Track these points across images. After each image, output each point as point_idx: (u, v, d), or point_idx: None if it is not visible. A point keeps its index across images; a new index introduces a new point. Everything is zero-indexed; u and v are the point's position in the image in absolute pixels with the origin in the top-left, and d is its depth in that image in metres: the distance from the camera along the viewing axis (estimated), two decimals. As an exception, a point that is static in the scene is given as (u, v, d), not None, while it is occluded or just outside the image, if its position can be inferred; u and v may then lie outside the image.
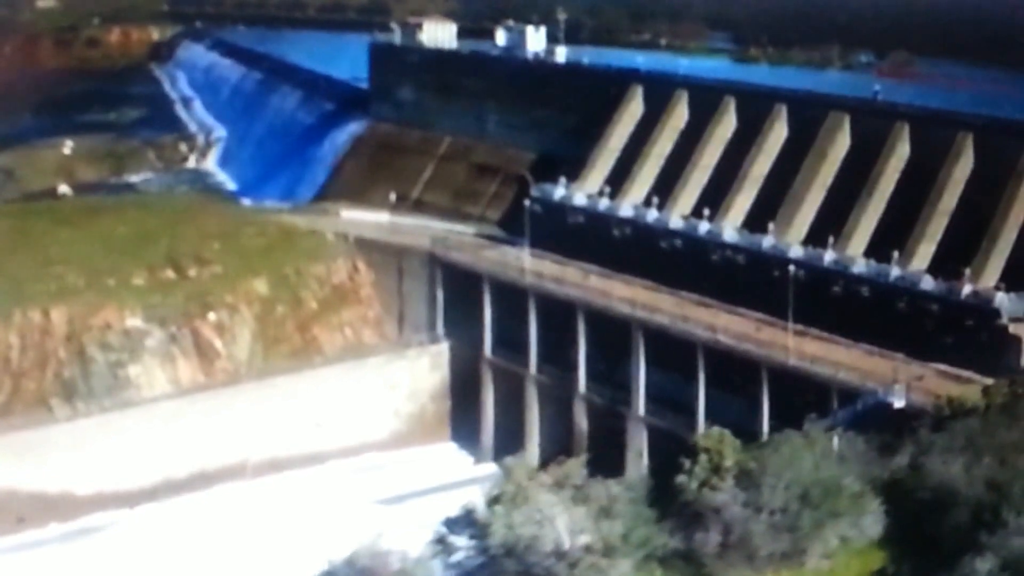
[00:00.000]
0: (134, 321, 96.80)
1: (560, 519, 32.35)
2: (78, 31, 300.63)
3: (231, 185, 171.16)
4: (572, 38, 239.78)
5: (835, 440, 46.08)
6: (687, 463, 37.15)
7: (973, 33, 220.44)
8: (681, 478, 36.69)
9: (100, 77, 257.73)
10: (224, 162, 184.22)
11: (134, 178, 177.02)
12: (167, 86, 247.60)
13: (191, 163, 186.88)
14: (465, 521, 34.48)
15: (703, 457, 36.74)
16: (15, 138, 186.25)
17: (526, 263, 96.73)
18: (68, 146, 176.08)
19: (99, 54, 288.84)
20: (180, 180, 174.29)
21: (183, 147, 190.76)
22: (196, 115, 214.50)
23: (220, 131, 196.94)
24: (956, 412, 55.04)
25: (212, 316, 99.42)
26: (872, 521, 35.50)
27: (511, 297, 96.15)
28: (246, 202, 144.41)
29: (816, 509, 34.06)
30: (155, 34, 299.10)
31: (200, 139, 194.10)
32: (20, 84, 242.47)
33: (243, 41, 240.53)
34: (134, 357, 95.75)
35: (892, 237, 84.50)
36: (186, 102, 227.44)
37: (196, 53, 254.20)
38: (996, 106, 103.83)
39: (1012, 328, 74.45)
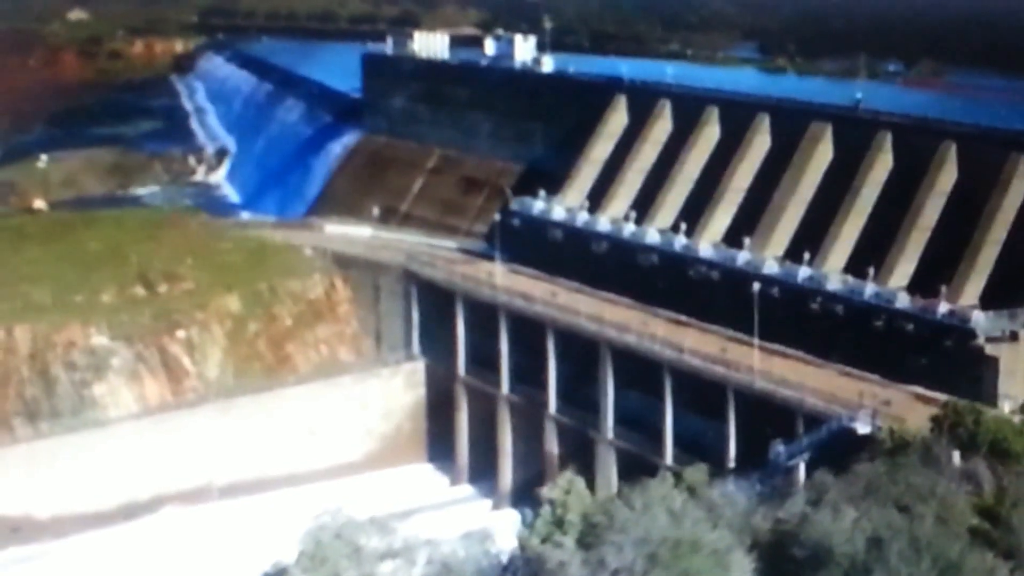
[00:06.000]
0: (100, 339, 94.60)
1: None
2: (102, 43, 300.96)
3: (235, 198, 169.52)
4: (598, 48, 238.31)
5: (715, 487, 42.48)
6: (529, 515, 34.06)
7: (1003, 42, 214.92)
8: (522, 532, 33.58)
9: (120, 89, 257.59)
10: (231, 174, 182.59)
11: (140, 191, 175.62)
12: (184, 98, 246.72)
13: (199, 176, 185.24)
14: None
15: (547, 509, 33.57)
16: (25, 150, 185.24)
17: (498, 279, 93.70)
18: (43, 160, 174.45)
19: (122, 66, 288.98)
20: (185, 194, 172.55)
21: (191, 160, 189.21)
22: (209, 127, 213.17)
23: (230, 143, 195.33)
24: (899, 444, 51.36)
25: (181, 333, 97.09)
26: (739, 583, 32.16)
27: (483, 315, 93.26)
28: (244, 216, 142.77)
29: (666, 569, 30.66)
30: (179, 46, 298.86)
31: (208, 152, 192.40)
32: (41, 96, 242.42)
33: (267, 53, 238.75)
34: (99, 375, 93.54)
35: (873, 251, 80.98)
36: (201, 114, 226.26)
37: (215, 65, 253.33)
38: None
39: (989, 348, 70.59)
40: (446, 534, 34.85)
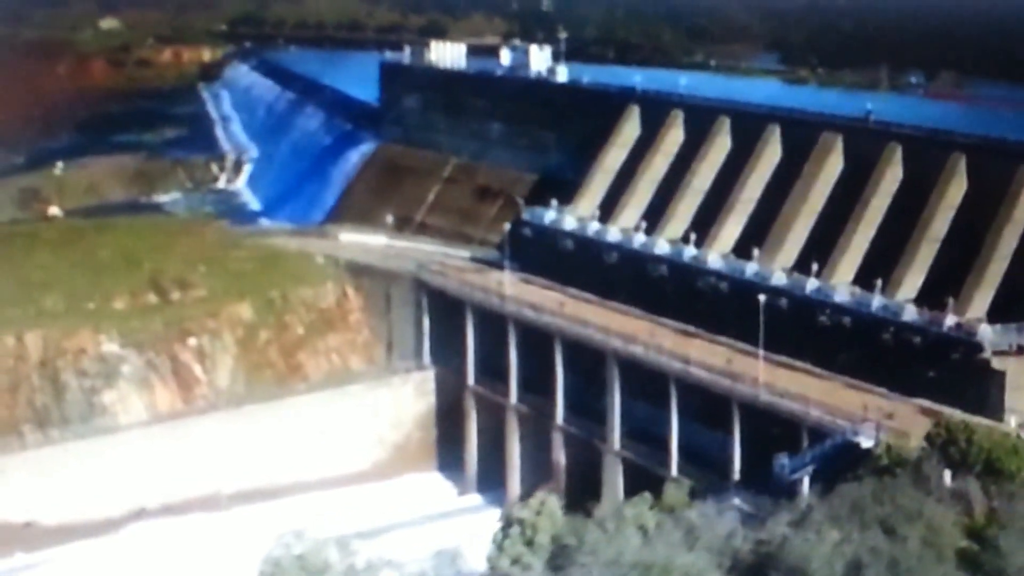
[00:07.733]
0: (110, 346, 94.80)
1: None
2: (131, 51, 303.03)
3: (256, 205, 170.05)
4: (622, 58, 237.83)
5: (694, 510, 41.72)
6: (498, 535, 33.66)
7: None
8: (490, 552, 33.20)
9: (147, 97, 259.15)
10: (252, 182, 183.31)
11: (163, 198, 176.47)
12: (210, 106, 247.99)
13: (221, 183, 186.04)
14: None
15: (515, 529, 33.15)
16: (50, 157, 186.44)
17: (507, 289, 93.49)
18: (59, 167, 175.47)
19: (150, 74, 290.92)
20: (207, 201, 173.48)
21: (214, 167, 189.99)
22: (233, 135, 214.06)
23: (252, 151, 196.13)
24: (895, 461, 50.71)
25: (192, 341, 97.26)
26: (713, 607, 31.54)
27: (493, 325, 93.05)
28: (261, 223, 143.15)
29: (634, 593, 30.20)
30: (206, 54, 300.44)
31: (231, 159, 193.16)
32: (69, 104, 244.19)
33: (292, 62, 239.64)
34: (109, 383, 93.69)
35: (881, 264, 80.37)
36: (225, 122, 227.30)
37: (241, 73, 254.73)
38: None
39: (996, 362, 69.84)
40: (418, 553, 34.45)
